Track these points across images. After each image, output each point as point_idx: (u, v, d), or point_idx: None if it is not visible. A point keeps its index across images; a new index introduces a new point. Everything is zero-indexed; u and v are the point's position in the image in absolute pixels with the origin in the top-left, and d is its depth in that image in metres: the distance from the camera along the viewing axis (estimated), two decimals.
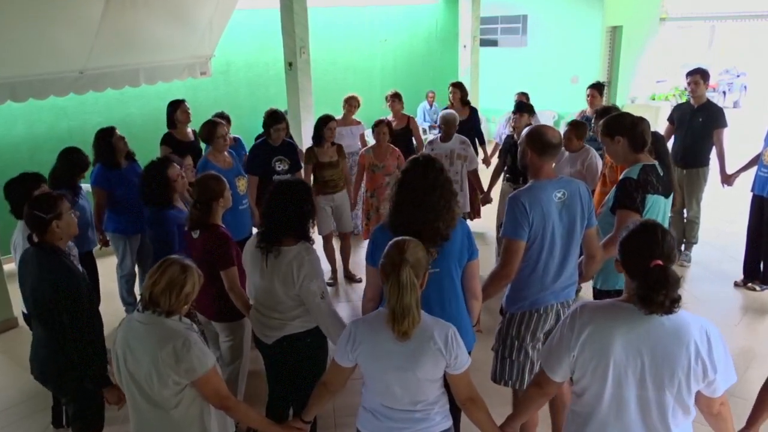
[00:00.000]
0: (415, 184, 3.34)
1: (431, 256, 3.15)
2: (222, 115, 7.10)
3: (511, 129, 7.07)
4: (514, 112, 6.97)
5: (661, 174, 4.05)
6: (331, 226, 7.14)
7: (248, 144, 7.50)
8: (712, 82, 15.73)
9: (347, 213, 7.12)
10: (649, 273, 2.33)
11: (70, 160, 5.46)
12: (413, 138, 8.35)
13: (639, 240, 2.45)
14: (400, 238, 2.80)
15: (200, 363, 2.85)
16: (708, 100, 7.05)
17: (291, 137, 7.16)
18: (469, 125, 8.12)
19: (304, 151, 7.23)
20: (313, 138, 6.87)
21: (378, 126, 7.04)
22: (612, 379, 2.44)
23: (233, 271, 4.05)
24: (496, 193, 7.26)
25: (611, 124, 4.12)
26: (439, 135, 7.06)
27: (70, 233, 3.71)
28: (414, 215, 3.27)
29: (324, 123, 6.76)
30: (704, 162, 7.09)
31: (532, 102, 8.67)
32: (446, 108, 8.29)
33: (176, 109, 6.80)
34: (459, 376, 2.79)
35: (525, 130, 3.81)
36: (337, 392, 3.03)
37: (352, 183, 7.36)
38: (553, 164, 3.76)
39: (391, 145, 7.13)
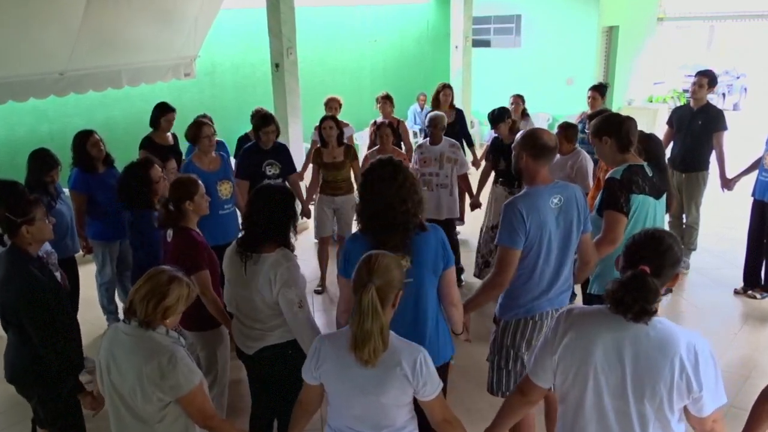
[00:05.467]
0: (381, 174, 3.25)
1: (405, 265, 3.09)
2: (203, 117, 6.92)
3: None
4: (491, 128, 6.92)
5: (650, 174, 4.00)
6: (329, 229, 7.04)
7: (232, 146, 7.36)
8: None
9: (347, 217, 6.99)
10: (628, 274, 2.34)
11: (36, 161, 5.35)
12: (402, 142, 8.17)
13: (641, 242, 2.44)
14: (374, 252, 2.66)
15: (186, 380, 2.77)
16: (708, 103, 6.94)
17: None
18: (456, 127, 7.99)
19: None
20: (320, 139, 6.87)
21: (380, 128, 6.93)
22: (592, 386, 2.41)
23: (204, 275, 3.98)
24: (484, 197, 7.15)
25: (598, 126, 4.11)
26: (428, 138, 6.88)
27: (42, 239, 3.66)
28: (383, 201, 3.19)
29: (320, 124, 6.77)
30: (704, 166, 6.98)
31: (527, 104, 8.54)
32: (432, 109, 8.15)
33: (164, 114, 6.67)
34: (430, 402, 2.67)
35: (519, 134, 3.73)
36: (313, 412, 2.90)
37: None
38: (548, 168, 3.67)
39: (396, 148, 7.01)
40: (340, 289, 3.39)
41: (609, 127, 4.02)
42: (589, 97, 7.83)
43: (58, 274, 4.02)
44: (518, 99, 8.39)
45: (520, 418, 2.93)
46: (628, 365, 2.33)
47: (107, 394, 2.92)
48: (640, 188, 3.90)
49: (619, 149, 3.99)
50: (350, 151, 6.83)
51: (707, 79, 6.78)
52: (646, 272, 2.31)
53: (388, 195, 3.18)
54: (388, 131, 6.84)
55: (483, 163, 7.48)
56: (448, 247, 3.33)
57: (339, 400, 2.72)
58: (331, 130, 6.67)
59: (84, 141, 5.75)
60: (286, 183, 6.15)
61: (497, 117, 6.73)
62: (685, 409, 2.40)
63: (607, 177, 4.02)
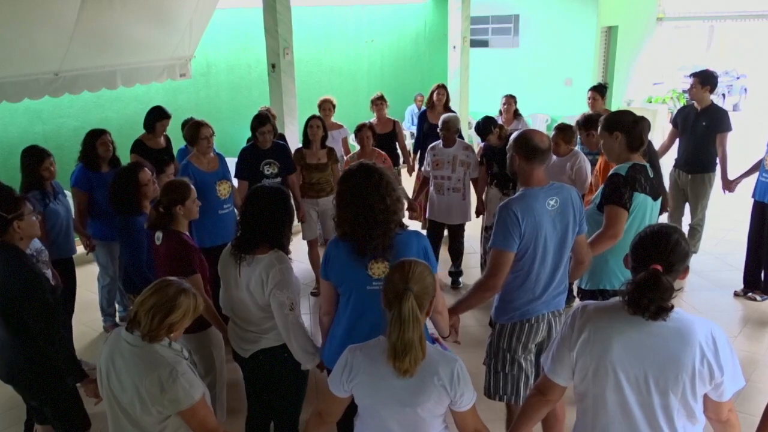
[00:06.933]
0: (355, 177, 3.27)
1: (384, 270, 3.15)
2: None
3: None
4: (481, 140, 6.91)
5: (651, 176, 4.00)
6: (316, 231, 6.99)
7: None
8: None
9: (331, 220, 6.84)
10: (642, 274, 2.33)
11: (27, 157, 5.31)
12: (397, 143, 8.16)
13: (648, 240, 2.44)
14: (406, 259, 2.62)
15: (186, 395, 2.72)
16: (712, 103, 6.86)
17: (282, 138, 6.95)
18: None
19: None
20: (302, 139, 6.80)
21: (361, 130, 6.87)
22: (613, 381, 2.40)
23: (196, 278, 3.95)
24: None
25: (612, 120, 4.09)
26: (440, 140, 6.79)
27: (32, 235, 3.72)
28: (362, 202, 3.19)
29: (306, 123, 6.70)
30: (710, 167, 6.91)
31: (524, 105, 8.52)
32: (425, 110, 8.09)
33: (160, 119, 6.61)
34: (464, 412, 2.61)
35: (513, 135, 3.70)
36: (331, 424, 2.85)
37: None
38: (543, 170, 3.63)
39: (377, 149, 6.93)
40: (322, 291, 3.42)
41: (623, 124, 4.00)
42: (589, 98, 7.75)
43: (49, 272, 4.02)
44: (510, 99, 8.30)
45: (540, 419, 2.90)
46: (649, 358, 2.34)
47: (106, 400, 2.88)
48: (642, 187, 3.89)
49: (629, 148, 3.99)
50: (332, 153, 6.79)
51: (698, 79, 6.72)
52: (659, 271, 2.31)
53: (365, 195, 3.18)
54: (369, 133, 6.79)
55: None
56: (430, 255, 3.30)
57: (372, 415, 2.66)
58: (318, 129, 6.62)
59: (95, 138, 5.77)
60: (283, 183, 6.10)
61: (483, 129, 6.70)
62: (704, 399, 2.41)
63: (611, 173, 4.01)
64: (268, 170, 6.25)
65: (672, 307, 2.32)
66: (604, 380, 2.41)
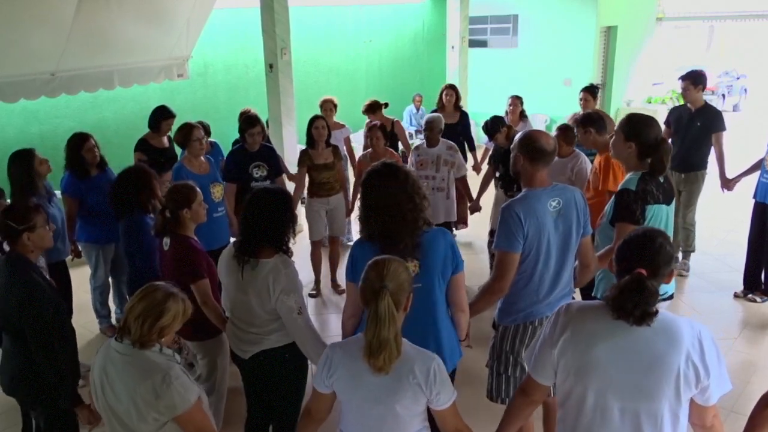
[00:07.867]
0: (381, 176, 3.26)
1: (413, 270, 3.09)
2: (200, 124, 6.85)
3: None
4: (489, 140, 6.89)
5: (662, 181, 3.88)
6: (323, 231, 6.98)
7: (227, 148, 7.30)
8: (711, 84, 15.49)
9: (341, 217, 6.98)
10: (627, 278, 2.31)
11: (20, 159, 5.20)
12: (399, 142, 8.12)
13: (633, 244, 2.42)
14: (380, 257, 2.62)
15: (181, 399, 2.69)
16: (706, 103, 6.87)
17: (269, 141, 6.90)
18: (459, 129, 7.92)
19: (283, 156, 6.98)
20: (306, 140, 6.74)
21: (371, 130, 6.85)
22: (594, 384, 2.36)
23: (204, 284, 3.93)
24: (484, 201, 7.08)
25: (635, 128, 3.84)
26: (424, 140, 6.79)
27: (43, 246, 3.66)
28: (390, 201, 3.18)
29: (310, 123, 6.65)
30: (701, 166, 6.92)
31: (524, 105, 8.45)
32: (435, 111, 8.06)
33: (165, 118, 6.60)
34: (443, 411, 2.61)
35: (518, 135, 3.68)
36: (321, 422, 2.85)
37: (347, 187, 7.20)
38: (547, 171, 3.60)
39: (390, 149, 6.93)
40: (348, 294, 3.37)
41: (642, 141, 3.78)
42: (581, 99, 7.78)
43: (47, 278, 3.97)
44: (516, 100, 8.27)
45: (525, 420, 2.89)
46: (634, 363, 2.30)
47: (103, 413, 2.85)
48: (654, 198, 3.76)
49: (639, 157, 3.81)
50: (337, 150, 6.80)
51: (690, 80, 6.72)
52: (643, 275, 2.28)
53: (393, 195, 3.17)
54: (379, 134, 6.76)
55: (484, 167, 7.40)
56: (457, 251, 3.31)
57: (352, 409, 2.68)
58: (323, 129, 6.59)
59: (79, 146, 5.66)
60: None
61: (492, 128, 6.65)
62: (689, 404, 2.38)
63: (620, 188, 3.86)
64: (257, 173, 6.24)
65: (656, 312, 2.29)
66: (585, 383, 2.38)
